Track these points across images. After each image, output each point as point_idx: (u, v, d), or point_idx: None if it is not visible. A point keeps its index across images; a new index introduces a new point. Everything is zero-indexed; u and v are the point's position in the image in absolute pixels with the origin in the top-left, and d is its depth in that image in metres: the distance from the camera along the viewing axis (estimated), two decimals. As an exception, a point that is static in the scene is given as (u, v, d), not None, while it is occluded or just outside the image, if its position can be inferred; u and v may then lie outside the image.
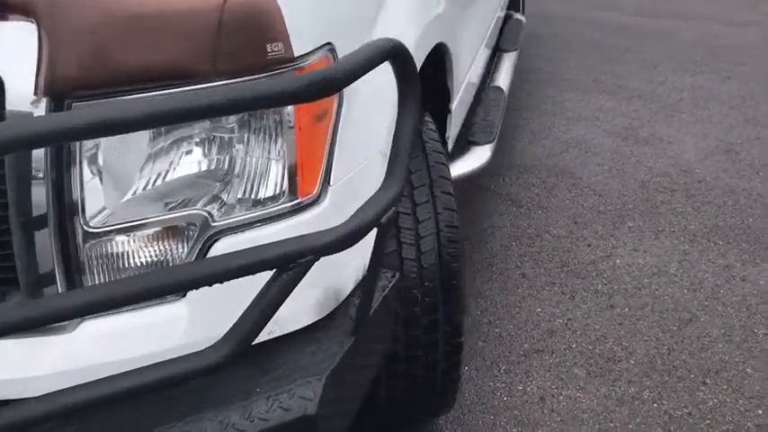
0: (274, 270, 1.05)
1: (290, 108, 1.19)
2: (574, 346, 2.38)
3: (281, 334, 1.26)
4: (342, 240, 1.08)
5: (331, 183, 1.29)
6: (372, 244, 1.22)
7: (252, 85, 0.95)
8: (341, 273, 1.32)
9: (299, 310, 1.27)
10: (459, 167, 2.60)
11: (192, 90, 1.08)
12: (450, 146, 2.47)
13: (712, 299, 2.60)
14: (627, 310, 2.55)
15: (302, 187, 1.25)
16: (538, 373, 2.26)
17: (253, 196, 1.23)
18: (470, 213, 3.17)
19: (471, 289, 2.66)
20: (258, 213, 1.22)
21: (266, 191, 1.24)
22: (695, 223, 3.09)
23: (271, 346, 1.24)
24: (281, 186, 1.24)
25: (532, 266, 2.79)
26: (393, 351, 1.67)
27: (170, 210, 1.16)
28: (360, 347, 1.30)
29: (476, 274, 2.75)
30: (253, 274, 1.02)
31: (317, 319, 1.30)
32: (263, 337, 1.19)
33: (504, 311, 2.54)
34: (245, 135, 1.21)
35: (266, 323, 1.07)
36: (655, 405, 2.14)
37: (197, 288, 1.00)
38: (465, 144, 2.78)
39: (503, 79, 3.44)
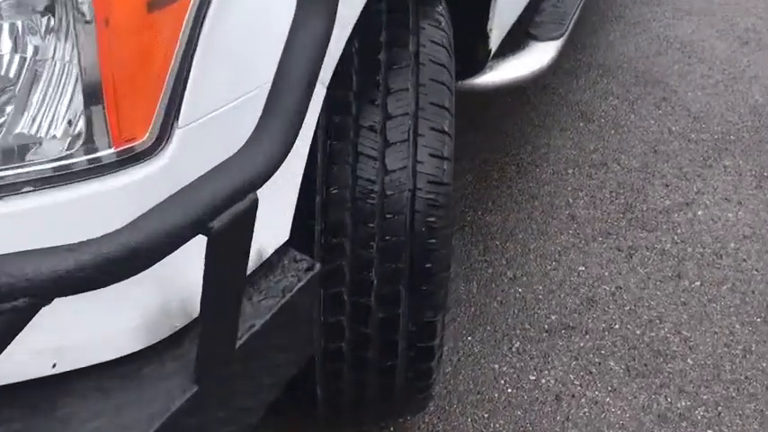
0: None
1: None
2: (617, 326, 1.82)
3: (70, 369, 0.76)
4: (93, 276, 0.55)
5: (180, 124, 0.75)
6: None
7: None
8: (188, 274, 0.79)
9: (109, 333, 0.77)
10: (506, 69, 1.97)
11: None
12: (495, 41, 1.83)
13: (818, 283, 1.97)
14: (698, 284, 1.95)
15: (117, 128, 0.72)
16: (560, 359, 1.73)
17: (20, 137, 0.71)
18: (522, 124, 2.54)
19: (502, 228, 2.10)
20: (26, 170, 0.70)
21: (48, 128, 0.71)
22: (814, 171, 2.38)
23: (50, 388, 0.75)
24: (76, 124, 0.71)
25: (587, 206, 2.19)
26: (334, 348, 1.17)
27: None
28: (211, 399, 0.80)
29: (513, 207, 2.17)
30: None
31: (141, 347, 0.79)
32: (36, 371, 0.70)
33: (536, 265, 1.98)
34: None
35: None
36: None
37: None
38: (524, 37, 2.12)
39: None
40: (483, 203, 2.20)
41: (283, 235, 0.92)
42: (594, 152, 2.43)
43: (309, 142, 0.94)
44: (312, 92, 0.68)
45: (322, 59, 0.70)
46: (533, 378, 1.69)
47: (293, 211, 0.93)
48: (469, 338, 1.78)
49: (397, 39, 1.18)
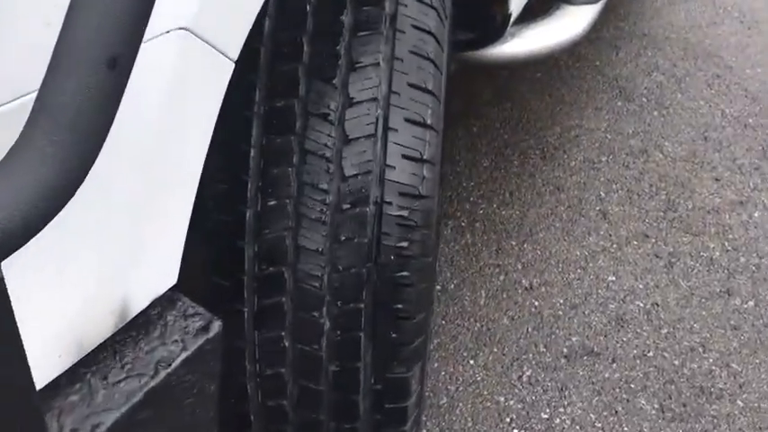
0: None
1: None
2: (650, 354, 1.51)
3: None
4: None
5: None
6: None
7: None
8: None
9: None
10: (531, 38, 1.65)
11: None
12: (517, 3, 1.51)
13: None
14: (752, 304, 1.62)
15: None
16: (579, 393, 1.43)
17: None
18: (551, 101, 2.21)
19: (520, 225, 1.79)
20: None
21: None
22: None
23: None
24: None
25: (621, 202, 1.86)
26: (274, 406, 0.89)
27: None
28: None
29: (534, 200, 1.86)
30: None
31: None
32: None
33: (557, 273, 1.67)
34: None
35: None
36: (761, 496, 1.29)
37: None
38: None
39: None
40: (500, 195, 1.89)
41: (167, 278, 0.64)
42: (633, 137, 2.09)
43: (207, 140, 0.64)
44: (121, 76, 0.39)
45: (140, 22, 0.40)
46: (546, 417, 1.40)
47: (182, 243, 0.65)
48: (471, 362, 1.49)
49: (368, -6, 0.87)
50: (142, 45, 0.51)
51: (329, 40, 0.84)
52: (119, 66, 0.39)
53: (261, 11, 0.73)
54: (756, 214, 1.84)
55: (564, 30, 1.72)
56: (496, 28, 1.52)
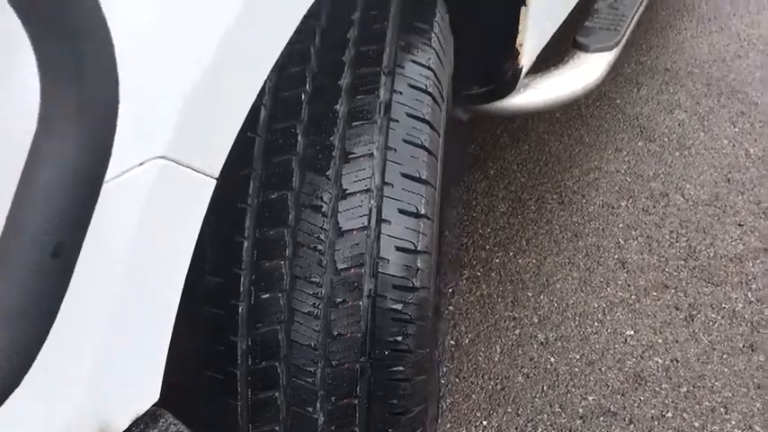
0: None
1: None
2: (669, 414, 1.47)
3: None
4: None
5: None
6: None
7: None
8: None
9: None
10: (545, 89, 1.63)
11: None
12: (528, 58, 1.49)
13: None
14: (776, 359, 1.58)
15: None
16: (596, 458, 1.40)
17: None
18: (570, 141, 2.19)
19: (536, 274, 1.76)
20: None
21: None
22: None
23: None
24: None
25: (640, 250, 1.83)
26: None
27: None
28: None
29: (551, 248, 1.83)
30: None
31: None
32: None
33: (574, 326, 1.64)
34: None
35: None
36: None
37: None
38: (569, 47, 1.77)
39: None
40: (516, 242, 1.87)
41: (149, 395, 0.63)
42: (654, 179, 2.05)
43: (188, 256, 0.64)
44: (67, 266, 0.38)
45: (87, 203, 0.39)
46: (560, 482, 1.37)
47: (164, 359, 0.64)
48: (485, 423, 1.46)
49: (363, 81, 0.86)
50: (118, 179, 0.51)
51: (323, 130, 0.84)
52: (63, 254, 0.38)
53: (256, 100, 0.73)
54: (781, 262, 1.79)
55: (578, 79, 1.70)
56: (507, 82, 1.51)
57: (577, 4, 1.79)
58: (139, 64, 0.54)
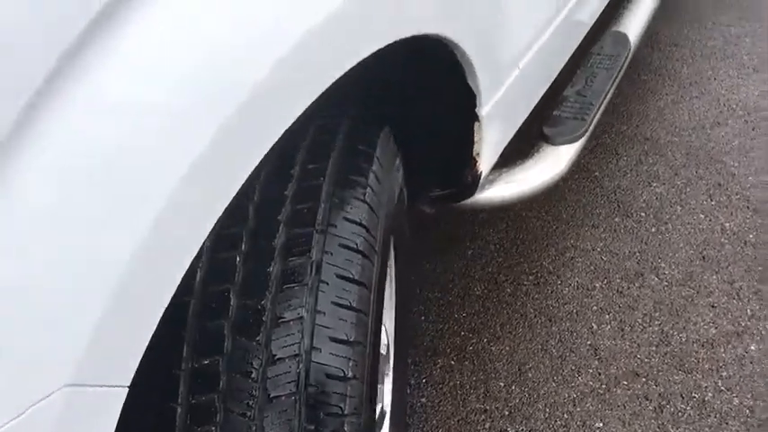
0: None
1: None
2: None
3: None
4: None
5: None
6: None
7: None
8: None
9: None
10: (508, 185, 1.67)
11: None
12: (487, 163, 1.53)
13: None
14: (744, 453, 1.58)
15: None
16: None
17: None
18: (547, 218, 2.21)
19: (509, 362, 1.78)
20: None
21: None
22: None
23: None
24: None
25: (613, 335, 1.85)
26: None
27: None
28: None
29: (525, 334, 1.85)
30: None
31: None
32: None
33: (543, 419, 1.66)
34: None
35: None
36: None
37: None
38: (536, 138, 1.81)
39: (635, 18, 2.33)
40: (491, 327, 1.89)
41: None
42: (629, 258, 2.08)
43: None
44: None
45: None
46: None
47: None
48: None
49: (296, 241, 0.90)
50: (19, 419, 0.54)
51: (255, 293, 0.87)
52: None
53: (193, 262, 0.77)
54: (753, 347, 1.80)
55: (544, 172, 1.74)
56: (468, 186, 1.55)
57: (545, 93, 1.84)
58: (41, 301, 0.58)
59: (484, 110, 1.38)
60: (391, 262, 1.40)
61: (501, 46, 1.36)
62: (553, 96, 1.90)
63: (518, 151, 1.73)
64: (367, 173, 1.00)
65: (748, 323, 1.86)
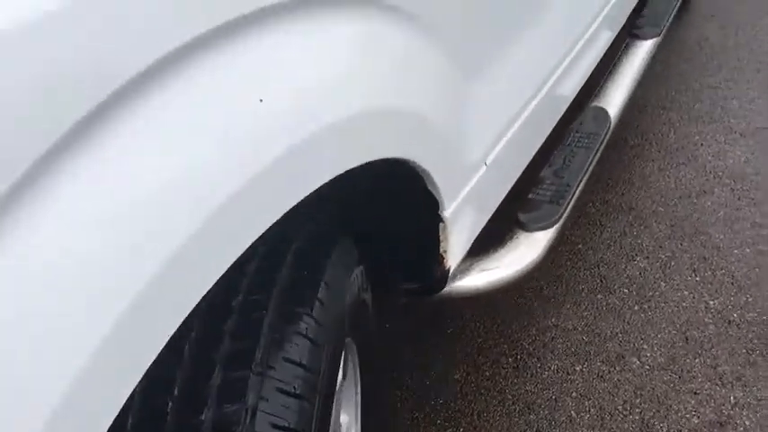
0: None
1: None
2: None
3: None
4: None
5: None
6: None
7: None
8: None
9: None
10: (479, 275, 1.64)
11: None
12: (455, 258, 1.51)
13: None
14: None
15: None
16: None
17: None
18: (530, 295, 2.18)
19: (483, 456, 1.74)
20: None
21: None
22: None
23: None
24: None
25: (592, 425, 1.80)
26: None
27: None
28: None
29: (502, 424, 1.81)
30: None
31: None
32: None
33: None
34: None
35: None
36: None
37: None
38: (511, 224, 1.79)
39: (615, 93, 2.32)
40: (468, 416, 1.85)
41: None
42: (611, 339, 2.04)
43: None
44: None
45: None
46: None
47: None
48: None
49: (232, 386, 0.87)
50: None
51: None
52: None
53: (125, 406, 0.74)
54: (738, 439, 1.76)
55: (518, 260, 1.72)
56: (437, 281, 1.52)
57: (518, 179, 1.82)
58: None
59: (447, 211, 1.36)
60: (354, 361, 1.37)
61: (463, 153, 1.34)
62: (530, 175, 1.88)
63: (493, 237, 1.71)
64: (312, 302, 0.97)
65: (731, 412, 1.81)
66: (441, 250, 1.43)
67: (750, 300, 2.13)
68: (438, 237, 1.40)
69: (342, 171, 0.98)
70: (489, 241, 1.71)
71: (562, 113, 2.00)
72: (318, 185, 0.93)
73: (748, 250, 2.32)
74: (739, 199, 2.55)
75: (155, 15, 0.71)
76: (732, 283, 2.20)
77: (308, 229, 1.08)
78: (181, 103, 0.75)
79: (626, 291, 2.20)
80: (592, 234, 2.44)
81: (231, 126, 0.79)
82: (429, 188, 1.26)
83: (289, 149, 0.84)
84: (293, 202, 0.88)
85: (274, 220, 0.85)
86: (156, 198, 0.72)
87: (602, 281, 2.24)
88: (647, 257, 2.32)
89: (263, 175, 0.81)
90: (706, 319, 2.08)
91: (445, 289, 1.58)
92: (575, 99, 2.13)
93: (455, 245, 1.46)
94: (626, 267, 2.29)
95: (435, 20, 1.17)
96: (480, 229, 1.61)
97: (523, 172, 1.79)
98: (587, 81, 2.24)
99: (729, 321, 2.07)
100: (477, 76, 1.41)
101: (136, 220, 0.70)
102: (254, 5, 0.81)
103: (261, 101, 0.82)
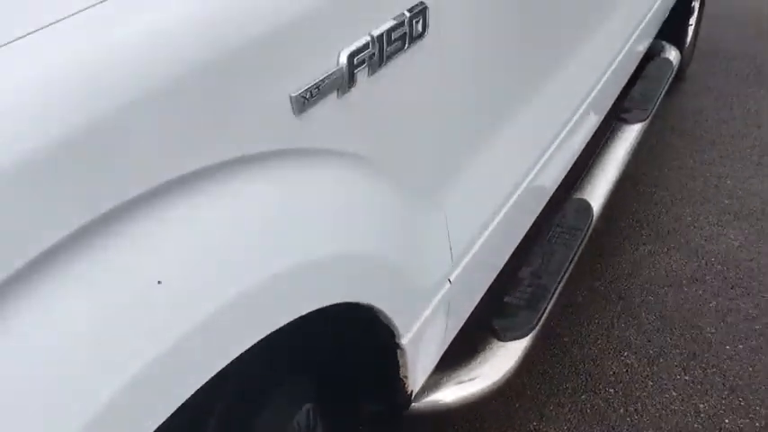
0: None
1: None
2: None
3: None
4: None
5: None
6: None
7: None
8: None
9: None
10: (449, 391, 1.56)
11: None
12: (417, 382, 1.43)
13: None
14: None
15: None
16: None
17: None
18: (513, 394, 2.08)
19: None
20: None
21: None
22: None
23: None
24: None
25: None
26: None
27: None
28: None
29: None
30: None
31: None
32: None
33: None
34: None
35: None
36: None
37: None
38: (483, 334, 1.71)
39: (600, 183, 2.26)
40: None
41: None
42: (595, 448, 1.93)
43: None
44: None
45: None
46: None
47: None
48: None
49: None
50: None
51: None
52: None
53: None
54: None
55: (491, 372, 1.64)
56: (399, 404, 1.44)
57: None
58: None
59: (405, 339, 1.28)
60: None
61: (421, 280, 1.27)
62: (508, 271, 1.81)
63: (467, 343, 1.64)
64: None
65: None
66: (401, 375, 1.36)
67: (743, 403, 2.03)
68: (397, 363, 1.32)
69: (289, 320, 0.93)
70: (462, 348, 1.63)
71: (540, 211, 1.93)
72: (264, 335, 0.88)
73: (741, 346, 2.22)
74: (732, 288, 2.46)
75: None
76: (724, 384, 2.10)
77: (239, 381, 1.01)
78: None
79: (612, 390, 2.10)
80: (579, 326, 2.35)
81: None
82: (383, 321, 1.19)
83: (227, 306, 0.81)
84: (240, 351, 0.85)
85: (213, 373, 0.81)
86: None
87: (587, 378, 2.15)
88: (635, 353, 2.23)
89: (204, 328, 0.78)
90: (695, 425, 1.98)
91: (413, 406, 1.50)
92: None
93: (416, 369, 1.38)
94: (612, 364, 2.19)
95: (380, 157, 1.11)
96: (449, 343, 1.53)
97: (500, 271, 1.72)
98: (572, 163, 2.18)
99: (721, 428, 1.96)
100: (440, 193, 1.35)
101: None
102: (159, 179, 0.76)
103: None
